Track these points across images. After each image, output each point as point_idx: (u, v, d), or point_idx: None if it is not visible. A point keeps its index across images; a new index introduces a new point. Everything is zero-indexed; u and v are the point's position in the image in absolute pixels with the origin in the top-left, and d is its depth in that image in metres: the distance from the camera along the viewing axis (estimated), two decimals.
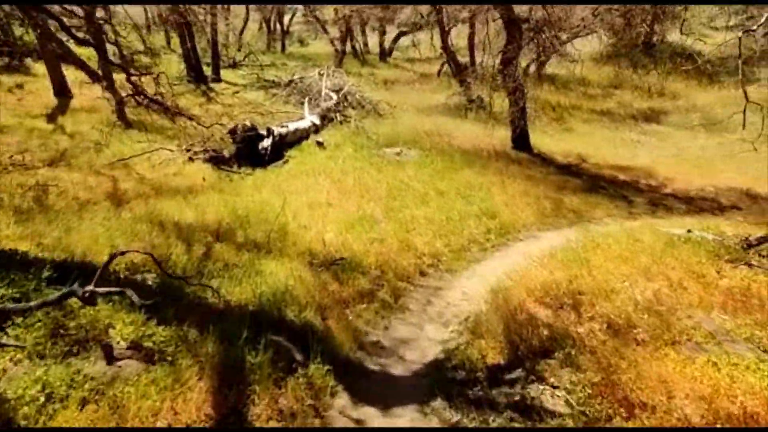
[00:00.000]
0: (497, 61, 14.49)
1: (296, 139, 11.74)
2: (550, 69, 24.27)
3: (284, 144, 10.99)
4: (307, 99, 15.20)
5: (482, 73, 15.63)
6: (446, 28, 21.46)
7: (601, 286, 5.49)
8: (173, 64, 20.03)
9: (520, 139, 13.83)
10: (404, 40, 28.23)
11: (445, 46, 21.45)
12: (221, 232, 6.76)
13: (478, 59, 20.59)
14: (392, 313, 5.59)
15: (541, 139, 15.65)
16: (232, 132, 10.45)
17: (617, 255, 6.69)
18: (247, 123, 10.42)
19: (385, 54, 28.10)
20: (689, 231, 7.92)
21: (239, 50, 25.42)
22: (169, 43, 25.05)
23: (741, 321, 4.67)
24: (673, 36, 27.85)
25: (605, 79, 23.61)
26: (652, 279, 5.86)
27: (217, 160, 9.94)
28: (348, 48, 27.92)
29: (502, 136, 14.81)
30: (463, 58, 23.27)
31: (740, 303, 5.01)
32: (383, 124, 15.17)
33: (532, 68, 22.70)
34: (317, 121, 13.43)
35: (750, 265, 6.53)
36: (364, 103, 16.70)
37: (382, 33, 27.24)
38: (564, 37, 18.37)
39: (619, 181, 12.02)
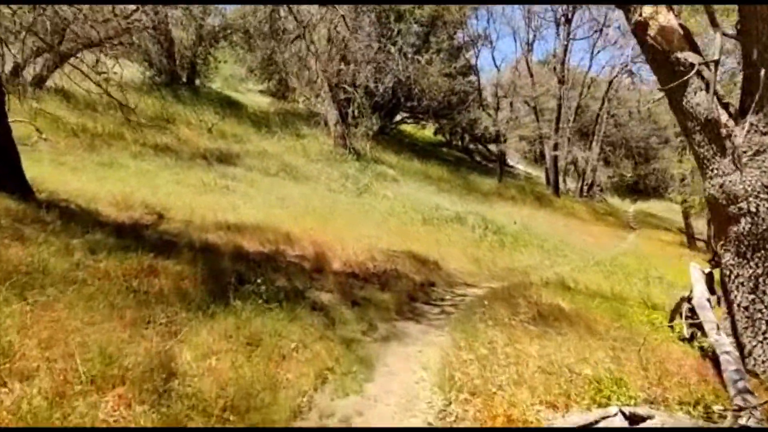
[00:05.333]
0: None
1: None
2: (63, 82, 15.14)
3: None
4: None
5: None
6: None
7: None
8: None
9: None
10: None
11: None
12: None
13: None
14: None
15: (59, 174, 7.19)
16: None
17: None
18: None
19: None
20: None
21: None
22: None
23: None
24: (217, 83, 24.90)
25: (153, 109, 16.82)
26: None
27: None
28: None
29: None
30: None
31: None
32: None
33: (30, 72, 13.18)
34: None
35: None
36: None
37: None
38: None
39: (251, 257, 5.57)
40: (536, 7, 22.28)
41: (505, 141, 25.54)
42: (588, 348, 3.84)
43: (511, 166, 31.95)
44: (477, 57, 25.99)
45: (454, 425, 2.54)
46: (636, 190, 35.80)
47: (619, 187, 35.85)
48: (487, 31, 24.20)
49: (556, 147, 23.27)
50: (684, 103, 3.80)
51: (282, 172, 14.16)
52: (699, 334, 4.41)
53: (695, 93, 3.74)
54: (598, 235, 17.89)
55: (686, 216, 17.71)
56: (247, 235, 6.50)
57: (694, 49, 3.81)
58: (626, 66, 22.10)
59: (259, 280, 4.53)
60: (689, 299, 4.18)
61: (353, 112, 22.74)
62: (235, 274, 4.52)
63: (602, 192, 30.13)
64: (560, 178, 25.04)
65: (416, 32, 23.78)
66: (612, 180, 33.30)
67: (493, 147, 28.98)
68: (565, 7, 21.39)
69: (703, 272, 4.28)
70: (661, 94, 13.64)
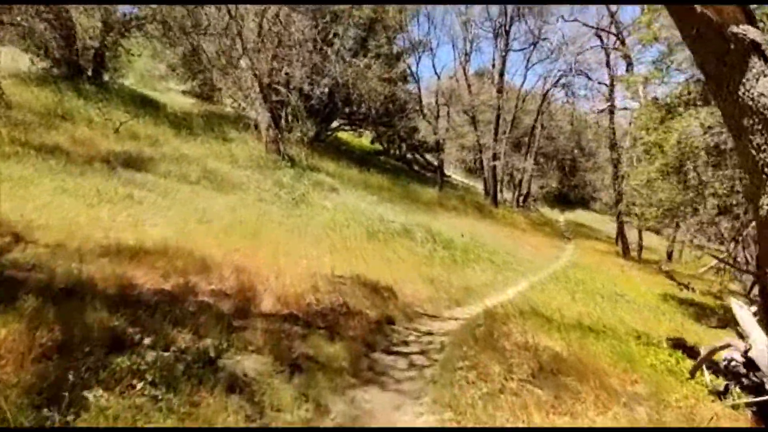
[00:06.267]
0: None
1: None
2: None
3: None
4: None
5: None
6: None
7: None
8: None
9: None
10: None
11: None
12: None
13: None
14: None
15: None
16: None
17: None
18: None
19: None
20: None
21: None
22: None
23: None
24: (130, 79, 22.20)
25: (43, 104, 14.10)
26: None
27: None
28: None
29: None
30: None
31: None
32: None
33: None
34: None
35: None
36: None
37: None
38: None
39: (144, 299, 3.94)
40: (475, 18, 22.12)
41: (442, 150, 25.11)
42: (627, 422, 2.73)
43: (448, 176, 31.75)
44: (417, 63, 25.46)
45: None
46: (564, 200, 37.24)
47: (548, 197, 37.13)
48: (428, 37, 23.75)
49: (495, 157, 23.16)
50: (741, 93, 2.85)
51: (204, 180, 12.20)
52: (731, 385, 3.51)
53: (757, 79, 2.81)
54: (539, 245, 17.69)
55: (621, 227, 18.10)
56: (146, 264, 4.81)
57: (752, 22, 2.90)
58: (560, 78, 22.57)
59: (147, 342, 2.98)
60: (745, 352, 3.27)
61: (287, 115, 21.09)
62: (107, 336, 2.92)
63: (535, 202, 30.78)
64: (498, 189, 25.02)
65: (354, 35, 22.70)
66: (543, 190, 34.32)
67: (430, 156, 28.53)
68: (503, 18, 21.45)
69: (754, 313, 3.40)
70: (605, 105, 13.38)
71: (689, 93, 8.28)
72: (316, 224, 10.41)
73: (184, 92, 25.65)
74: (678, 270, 17.44)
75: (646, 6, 8.90)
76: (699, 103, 7.94)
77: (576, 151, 35.63)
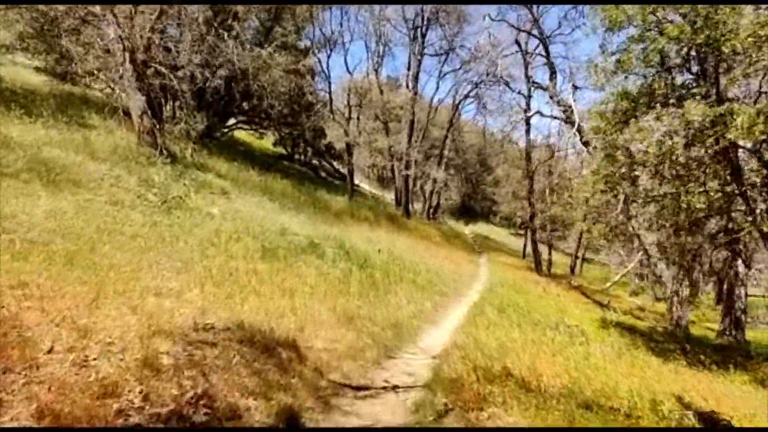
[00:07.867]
0: None
1: None
2: None
3: None
4: None
5: None
6: None
7: None
8: None
9: None
10: None
11: None
12: None
13: None
14: None
15: None
16: None
17: None
18: None
19: None
20: None
21: None
22: None
23: None
24: None
25: None
26: None
27: None
28: None
29: None
30: None
31: None
32: None
33: None
34: None
35: None
36: None
37: None
38: None
39: None
40: (391, 17, 20.71)
41: (352, 156, 23.23)
42: None
43: (357, 185, 30.01)
44: (328, 59, 23.31)
45: None
46: (469, 213, 37.63)
47: (453, 209, 37.23)
48: (341, 30, 21.75)
49: (408, 165, 21.84)
50: None
51: (31, 172, 8.66)
52: None
53: None
54: (457, 260, 16.50)
55: (534, 243, 17.78)
56: None
57: None
58: (474, 89, 22.07)
59: None
60: None
61: (174, 107, 17.52)
62: None
63: (443, 214, 30.29)
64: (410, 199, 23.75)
65: (258, 19, 19.92)
66: (449, 203, 34.16)
67: (337, 164, 26.53)
68: (420, 20, 20.33)
69: None
70: (527, 113, 12.22)
71: (653, 90, 7.34)
72: (192, 237, 7.64)
73: (38, 69, 20.52)
74: (585, 285, 17.42)
75: None
76: (672, 101, 7.02)
77: (478, 165, 36.21)
